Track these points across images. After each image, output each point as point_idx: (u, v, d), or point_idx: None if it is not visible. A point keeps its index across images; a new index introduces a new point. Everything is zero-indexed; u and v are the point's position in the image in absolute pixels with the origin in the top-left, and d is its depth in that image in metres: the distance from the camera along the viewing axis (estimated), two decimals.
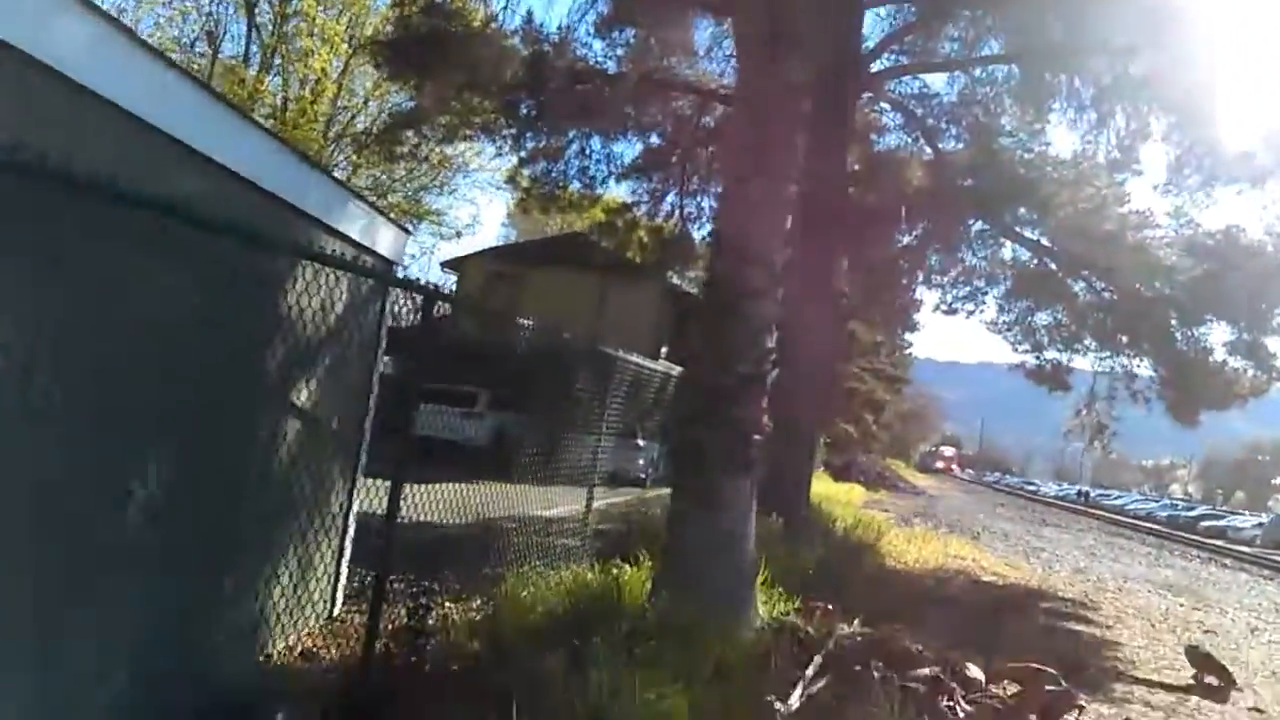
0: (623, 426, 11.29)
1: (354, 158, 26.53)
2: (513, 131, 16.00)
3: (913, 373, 62.24)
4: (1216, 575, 24.40)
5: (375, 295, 6.26)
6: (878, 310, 21.00)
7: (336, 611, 6.24)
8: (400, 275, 7.24)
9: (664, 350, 29.42)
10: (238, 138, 4.55)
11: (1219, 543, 42.34)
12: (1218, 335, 16.02)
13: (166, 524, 4.09)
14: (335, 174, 26.07)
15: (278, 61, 27.02)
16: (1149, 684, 8.66)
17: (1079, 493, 79.53)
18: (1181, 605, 15.72)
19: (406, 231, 7.99)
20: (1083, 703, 6.44)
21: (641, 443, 18.27)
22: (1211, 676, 8.89)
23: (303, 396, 5.35)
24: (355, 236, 5.96)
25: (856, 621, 8.03)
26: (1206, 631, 12.69)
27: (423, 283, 5.74)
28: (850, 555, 12.78)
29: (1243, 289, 14.79)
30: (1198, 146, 13.43)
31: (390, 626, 5.49)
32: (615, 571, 7.34)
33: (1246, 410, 17.74)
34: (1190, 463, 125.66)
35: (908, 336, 42.94)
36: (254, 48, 27.28)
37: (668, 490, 8.02)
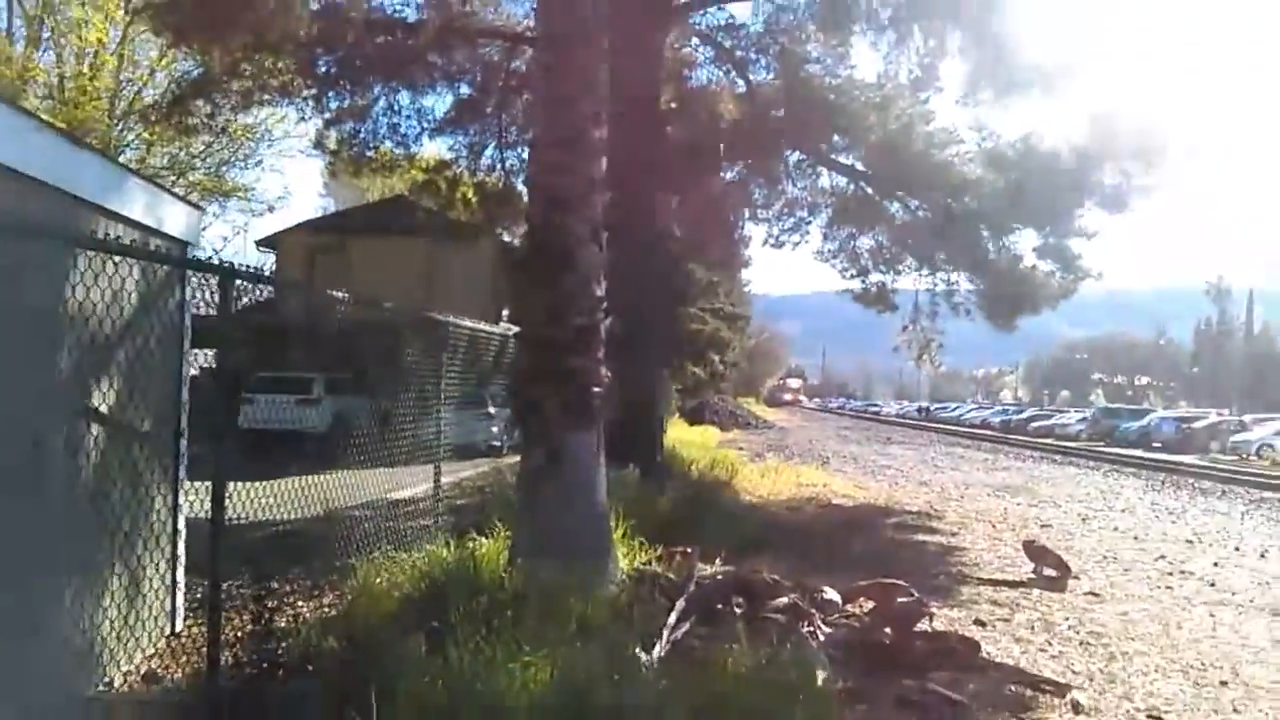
0: (466, 396, 10.95)
1: (146, 135, 24.51)
2: (313, 92, 15.11)
3: (752, 309, 63.75)
4: (1048, 472, 26.10)
5: (172, 281, 5.74)
6: (710, 249, 21.14)
7: (179, 626, 5.81)
8: (199, 257, 6.64)
9: (505, 312, 28.92)
10: None
11: (1049, 441, 45.46)
12: (1026, 242, 16.90)
13: None
14: (126, 154, 24.37)
15: (47, 35, 24.65)
16: (994, 583, 9.09)
17: (919, 409, 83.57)
18: (1018, 504, 16.69)
19: (199, 209, 7.40)
20: (933, 609, 6.64)
21: (492, 410, 17.94)
22: (1050, 568, 9.40)
23: (101, 400, 4.85)
24: (138, 218, 5.45)
25: (717, 561, 8.08)
26: (1043, 526, 13.49)
27: (220, 263, 5.27)
28: (707, 495, 12.90)
29: (1044, 195, 15.58)
30: (991, 59, 13.91)
31: (237, 635, 5.14)
32: (470, 545, 7.12)
33: (1060, 311, 18.82)
34: (1016, 368, 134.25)
35: (743, 274, 43.80)
36: (18, 21, 24.88)
37: None
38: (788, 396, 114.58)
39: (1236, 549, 12.10)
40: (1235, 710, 5.46)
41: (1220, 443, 36.98)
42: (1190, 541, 12.64)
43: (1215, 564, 10.79)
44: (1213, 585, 9.45)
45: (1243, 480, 23.91)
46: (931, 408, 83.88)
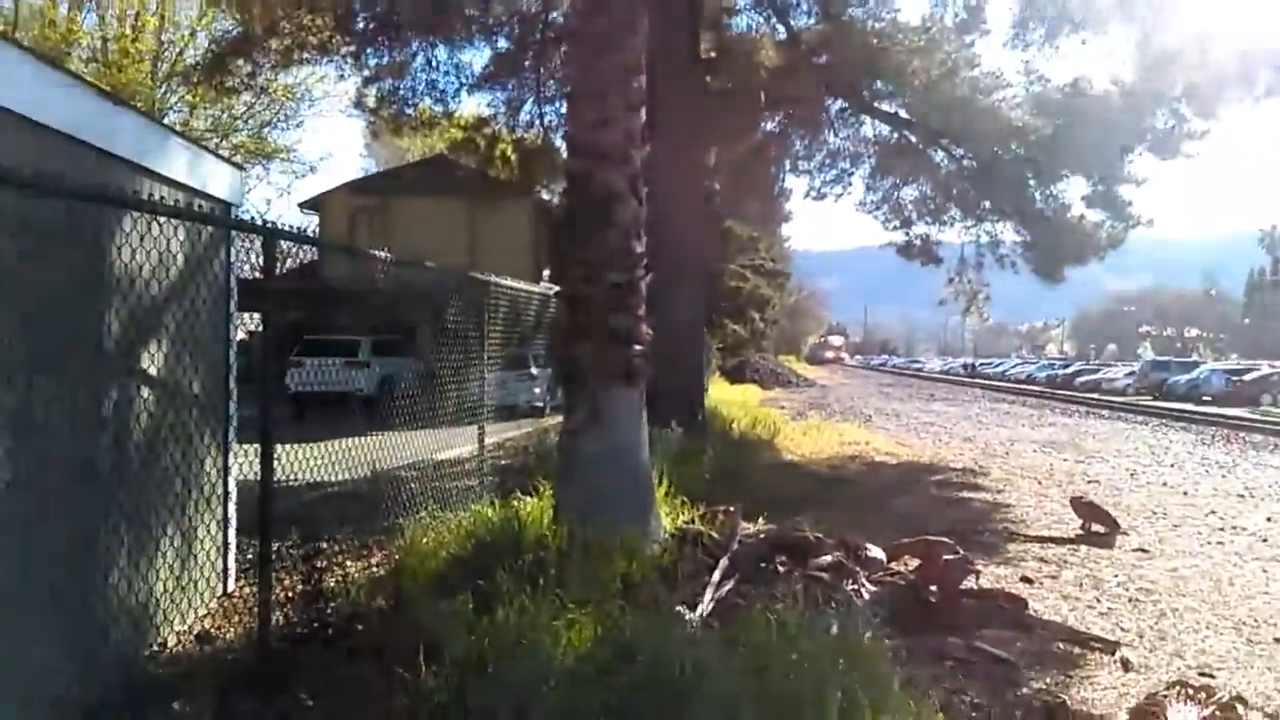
0: (509, 357, 10.99)
1: (189, 97, 24.75)
2: (352, 49, 15.12)
3: (793, 265, 63.26)
4: (1095, 427, 25.72)
5: (217, 243, 5.77)
6: (750, 204, 20.94)
7: (231, 587, 5.93)
8: (242, 218, 6.67)
9: (545, 272, 28.94)
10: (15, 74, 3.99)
11: (1096, 396, 44.84)
12: (1074, 190, 16.59)
13: (22, 516, 3.74)
14: (170, 117, 24.57)
15: None
16: (1040, 540, 8.98)
17: (964, 365, 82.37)
18: (1065, 460, 16.46)
19: (241, 169, 7.44)
20: (979, 567, 6.57)
21: (535, 371, 18.01)
22: (1098, 524, 9.27)
23: (151, 362, 4.90)
24: (182, 179, 5.47)
25: (760, 520, 8.07)
26: (1090, 482, 13.29)
27: (264, 223, 5.29)
28: (750, 454, 12.90)
29: (1093, 141, 15.19)
30: None
31: (287, 595, 5.23)
32: (515, 505, 7.16)
33: (1107, 263, 18.46)
34: (1063, 322, 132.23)
35: (784, 229, 43.41)
36: None
37: None
38: (830, 354, 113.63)
39: None
40: None
41: (1272, 395, 36.23)
42: (1241, 496, 12.40)
43: (1268, 519, 10.57)
44: (1265, 541, 9.26)
45: None
46: (977, 364, 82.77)
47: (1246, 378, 39.64)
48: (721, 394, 27.76)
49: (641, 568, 5.83)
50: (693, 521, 7.43)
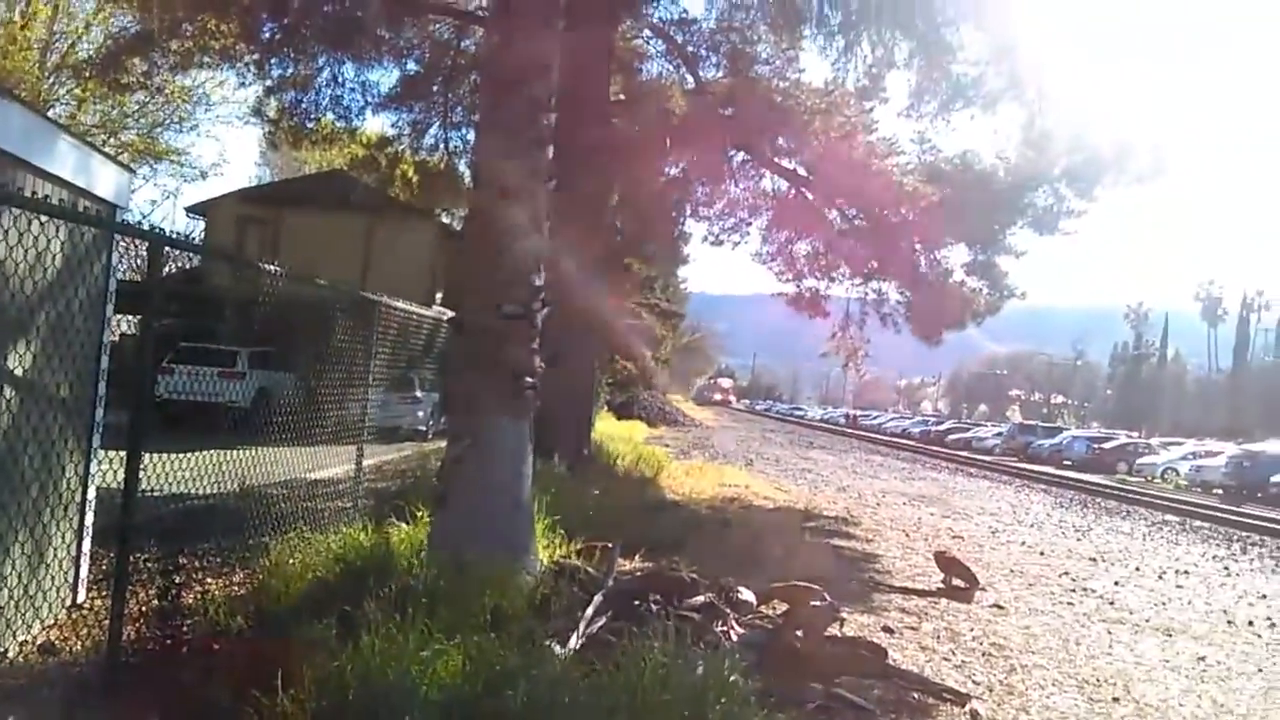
0: (395, 379, 10.85)
1: (78, 91, 23.75)
2: (255, 57, 14.78)
3: (688, 306, 64.06)
4: (963, 484, 26.76)
5: (100, 245, 5.58)
6: (650, 244, 21.20)
7: (81, 598, 5.66)
8: (128, 221, 6.47)
9: (439, 296, 28.62)
10: None
11: (965, 453, 46.64)
12: (957, 257, 17.34)
13: None
14: (56, 109, 23.53)
15: None
16: (904, 591, 9.30)
17: (845, 416, 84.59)
18: (932, 514, 17.08)
19: (130, 171, 7.21)
20: (844, 614, 6.79)
21: (420, 394, 17.77)
22: (959, 579, 9.66)
23: (17, 362, 4.70)
24: (67, 177, 5.29)
25: (637, 557, 8.15)
26: (955, 537, 13.84)
27: (150, 228, 5.16)
28: (632, 491, 12.98)
29: (978, 212, 15.97)
30: (936, 72, 14.19)
31: (142, 609, 5.04)
32: (389, 531, 7.06)
33: (984, 327, 19.34)
34: (939, 379, 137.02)
35: (681, 271, 43.95)
36: None
37: None
38: (718, 396, 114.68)
39: (1137, 569, 12.57)
40: None
41: (1128, 464, 38.36)
42: (1093, 560, 13.09)
43: (1116, 583, 11.19)
44: (1112, 604, 9.80)
45: (1146, 502, 24.83)
46: (857, 415, 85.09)
47: (1106, 445, 41.89)
48: (609, 429, 27.87)
49: (514, 601, 5.82)
50: (570, 556, 7.46)
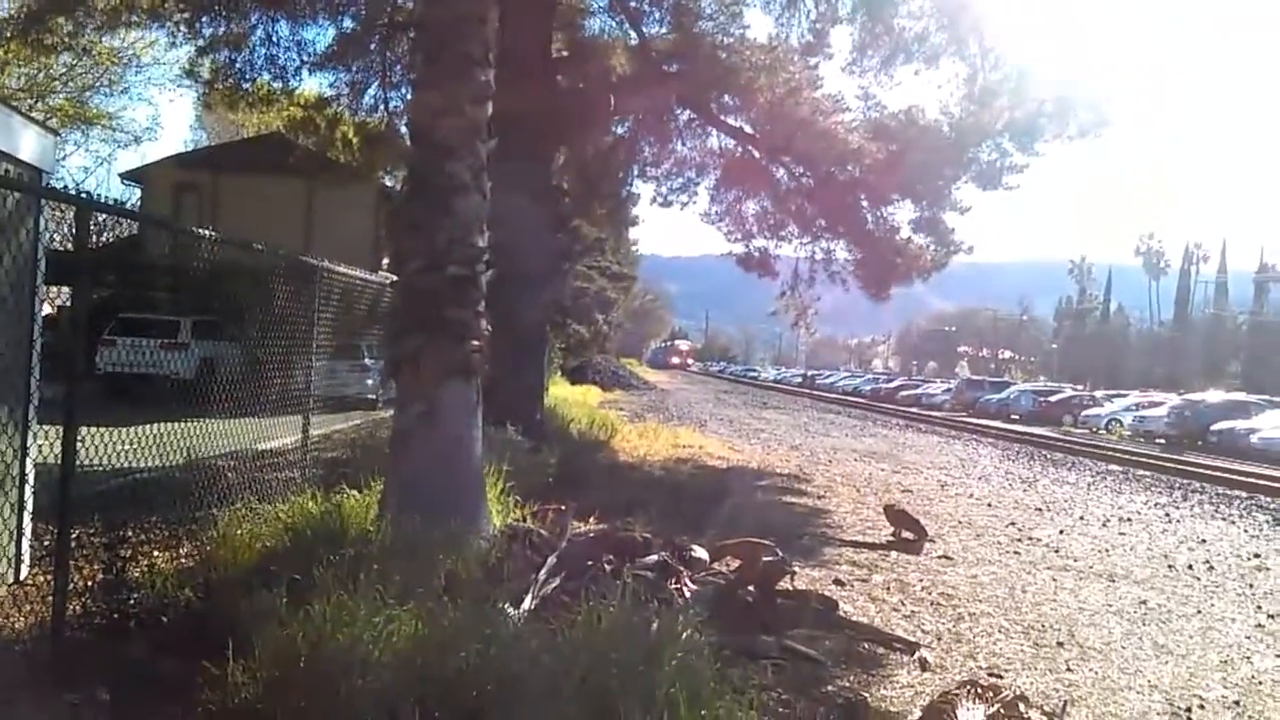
0: (341, 346, 10.66)
1: (0, 53, 22.86)
2: (186, 16, 14.29)
3: (640, 269, 63.95)
4: (913, 440, 27.15)
5: (24, 211, 5.36)
6: (598, 205, 21.03)
7: (25, 574, 5.51)
8: (55, 186, 6.24)
9: (385, 261, 28.20)
10: None
11: (915, 410, 47.34)
12: (903, 214, 17.44)
13: None
14: None
15: None
16: (855, 545, 9.42)
17: (804, 376, 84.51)
18: (882, 470, 17.32)
19: (54, 133, 6.95)
20: (796, 569, 6.84)
21: (369, 362, 17.48)
22: (908, 532, 9.80)
23: None
24: None
25: (591, 519, 8.13)
26: (904, 491, 14.04)
27: (78, 193, 4.97)
28: (586, 454, 12.98)
29: (923, 168, 16.04)
30: (879, 27, 14.14)
31: (87, 584, 4.93)
32: (338, 499, 6.96)
33: (931, 284, 19.52)
34: (889, 338, 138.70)
35: (631, 233, 43.81)
36: None
37: None
38: (675, 359, 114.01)
39: (1081, 518, 12.86)
40: (1069, 669, 5.81)
41: (1073, 416, 39.22)
42: (1039, 509, 13.37)
43: (1061, 531, 11.43)
44: (1057, 552, 10.02)
45: (1091, 452, 25.40)
46: (814, 376, 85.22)
47: (1052, 399, 42.75)
48: (562, 393, 27.83)
49: (467, 565, 5.77)
50: (524, 519, 7.42)
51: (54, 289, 11.74)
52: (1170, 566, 9.64)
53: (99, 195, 5.04)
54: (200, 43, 15.28)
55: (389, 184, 25.75)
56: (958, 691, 4.74)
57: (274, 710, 3.70)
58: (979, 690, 4.74)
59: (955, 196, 17.02)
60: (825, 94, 16.24)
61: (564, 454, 11.78)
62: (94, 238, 4.91)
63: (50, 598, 4.55)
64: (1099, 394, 45.47)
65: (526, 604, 5.27)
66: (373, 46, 16.33)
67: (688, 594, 5.93)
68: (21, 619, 4.96)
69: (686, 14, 15.66)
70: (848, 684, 5.12)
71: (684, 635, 4.45)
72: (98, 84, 26.23)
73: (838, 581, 7.61)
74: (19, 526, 5.47)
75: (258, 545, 6.05)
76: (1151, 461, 22.94)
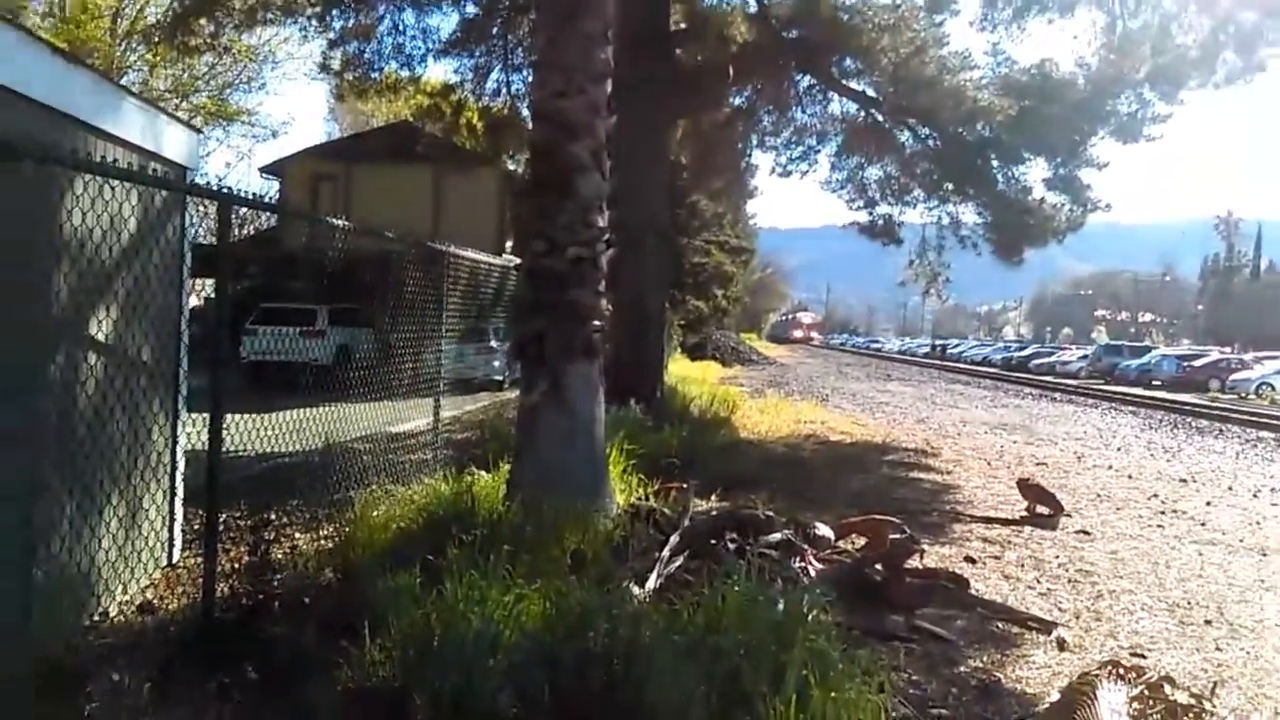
0: (468, 329, 10.93)
1: (148, 56, 24.17)
2: (317, 10, 14.82)
3: (759, 242, 63.36)
4: (1047, 410, 26.15)
5: (172, 207, 5.68)
6: (716, 179, 20.89)
7: (176, 558, 5.89)
8: (198, 182, 6.56)
9: (509, 244, 28.73)
10: None
11: (1049, 378, 45.54)
12: (1036, 173, 16.75)
13: None
14: (130, 76, 24.03)
15: None
16: (986, 520, 9.15)
17: (933, 346, 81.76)
18: (1015, 442, 16.75)
19: (198, 132, 7.30)
20: (923, 546, 6.70)
21: (494, 344, 17.96)
22: (1043, 506, 9.46)
23: (99, 329, 4.83)
24: (136, 141, 5.37)
25: (713, 497, 8.15)
26: (1038, 464, 13.55)
27: (219, 188, 5.22)
28: (707, 432, 12.95)
29: (1057, 123, 15.32)
30: None
31: (234, 566, 5.22)
32: (468, 480, 7.16)
33: (1066, 246, 18.72)
34: (1020, 304, 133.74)
35: (749, 205, 43.39)
36: None
37: None
38: (798, 333, 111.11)
39: (1229, 489, 12.17)
40: (1218, 649, 5.53)
41: (1220, 381, 37.06)
42: (1184, 480, 12.72)
43: (1208, 503, 10.86)
44: (1203, 525, 9.52)
45: (1240, 419, 23.98)
46: (945, 346, 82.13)
47: (1196, 363, 40.47)
48: (682, 370, 27.88)
49: (593, 543, 5.87)
50: (646, 498, 7.50)
51: (199, 281, 12.38)
52: None
53: (239, 190, 5.27)
54: (331, 35, 15.85)
55: (513, 168, 26.21)
56: (1098, 672, 4.56)
57: (410, 688, 3.83)
58: (1121, 671, 4.56)
59: (1092, 152, 16.19)
60: (952, 51, 15.67)
61: (685, 431, 11.81)
62: (236, 230, 5.14)
63: (200, 580, 4.81)
64: (1249, 357, 42.81)
65: (651, 582, 5.33)
66: (495, 30, 16.59)
67: (813, 573, 5.89)
68: (174, 600, 5.28)
69: None
70: (981, 664, 4.99)
71: (810, 615, 4.42)
72: (237, 81, 27.56)
73: (969, 559, 7.41)
74: (171, 512, 5.81)
75: (393, 526, 6.26)
76: None
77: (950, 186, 17.41)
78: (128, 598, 5.16)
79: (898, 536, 6.38)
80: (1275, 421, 22.94)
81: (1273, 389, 33.23)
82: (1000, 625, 5.68)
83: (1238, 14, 13.82)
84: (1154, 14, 13.80)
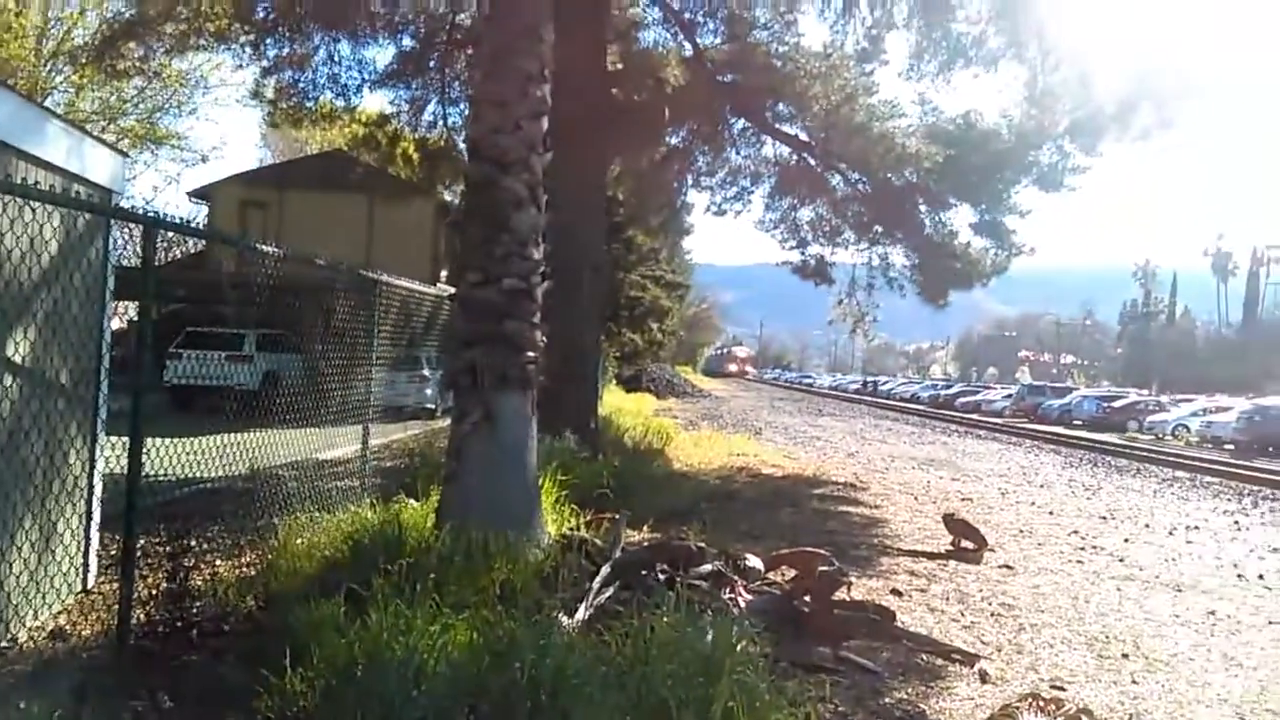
0: (401, 357, 10.84)
1: (75, 78, 23.65)
2: (251, 38, 14.64)
3: (694, 277, 63.96)
4: (972, 447, 26.72)
5: (95, 230, 5.58)
6: (652, 215, 21.08)
7: (91, 583, 5.71)
8: (123, 206, 6.45)
9: (444, 274, 28.59)
10: None
11: (975, 416, 46.57)
12: (962, 218, 17.33)
13: None
14: (55, 97, 23.48)
15: None
16: (913, 554, 9.30)
17: (864, 383, 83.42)
18: (941, 478, 17.08)
19: (124, 155, 7.18)
20: (852, 579, 6.78)
21: (427, 373, 17.80)
22: (967, 541, 9.64)
23: (18, 350, 4.71)
24: (59, 163, 5.28)
25: (645, 528, 8.17)
26: (964, 500, 13.83)
27: (145, 212, 5.14)
28: (641, 463, 12.97)
29: (982, 171, 15.88)
30: (935, 32, 14.00)
31: (151, 593, 5.09)
32: (397, 508, 7.07)
33: (991, 288, 19.28)
34: (948, 343, 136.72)
35: (685, 242, 43.82)
36: None
37: None
38: (733, 367, 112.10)
39: (1146, 526, 12.55)
40: (1134, 681, 5.68)
41: (1139, 422, 38.28)
42: (1103, 518, 13.08)
43: (1126, 540, 11.18)
44: (1122, 561, 9.80)
45: (1157, 459, 24.77)
46: (871, 382, 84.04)
47: (1116, 404, 41.77)
48: (617, 402, 27.91)
49: (523, 573, 5.83)
50: (578, 529, 7.47)
51: (123, 304, 12.09)
52: (1240, 576, 9.38)
53: (165, 214, 5.19)
54: (265, 63, 15.62)
55: (448, 199, 26.13)
56: (1019, 704, 4.67)
57: (331, 717, 3.77)
58: (1041, 703, 4.67)
59: (1016, 200, 16.88)
60: (881, 100, 16.14)
61: (619, 463, 11.81)
62: (162, 254, 5.07)
63: (115, 606, 4.70)
64: (1165, 399, 44.33)
65: (580, 613, 5.31)
66: (432, 64, 16.57)
67: (742, 604, 5.92)
68: (88, 626, 5.12)
69: (741, 24, 15.65)
70: (906, 696, 5.07)
71: (739, 646, 4.45)
72: (167, 105, 27.05)
73: (895, 591, 7.53)
74: (87, 536, 5.65)
75: (318, 554, 6.16)
76: (1219, 468, 22.30)
77: (880, 229, 17.87)
78: (39, 624, 5.00)
79: (826, 569, 6.45)
80: (1190, 462, 23.76)
81: (1188, 430, 34.43)
82: (925, 657, 5.76)
83: (1151, 74, 14.47)
84: (1072, 69, 14.35)
